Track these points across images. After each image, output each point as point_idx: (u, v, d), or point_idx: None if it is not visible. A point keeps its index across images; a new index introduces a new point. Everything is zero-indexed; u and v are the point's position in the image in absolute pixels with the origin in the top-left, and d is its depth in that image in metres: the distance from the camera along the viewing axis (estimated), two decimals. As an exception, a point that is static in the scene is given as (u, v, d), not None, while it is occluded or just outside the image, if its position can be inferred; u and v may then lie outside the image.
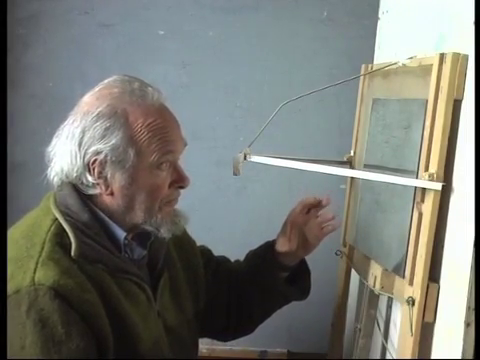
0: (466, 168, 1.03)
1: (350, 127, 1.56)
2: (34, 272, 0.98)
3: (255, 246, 1.41)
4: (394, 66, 1.25)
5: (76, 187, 1.09)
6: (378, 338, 1.38)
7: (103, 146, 1.04)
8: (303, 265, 1.39)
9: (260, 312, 1.38)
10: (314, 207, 1.34)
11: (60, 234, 1.04)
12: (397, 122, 1.26)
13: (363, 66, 1.51)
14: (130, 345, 1.06)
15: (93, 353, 1.00)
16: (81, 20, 1.96)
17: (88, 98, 1.08)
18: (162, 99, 1.10)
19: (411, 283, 1.12)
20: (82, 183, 1.08)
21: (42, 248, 1.02)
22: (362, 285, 1.44)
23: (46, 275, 0.98)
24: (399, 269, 1.18)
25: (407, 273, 1.14)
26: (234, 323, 1.37)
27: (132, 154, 1.05)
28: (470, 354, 0.99)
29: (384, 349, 1.36)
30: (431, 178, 1.07)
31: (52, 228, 1.05)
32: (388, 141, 1.29)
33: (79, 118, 1.06)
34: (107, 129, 1.04)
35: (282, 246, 1.33)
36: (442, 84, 1.07)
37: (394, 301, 1.31)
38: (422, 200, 1.11)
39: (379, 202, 1.30)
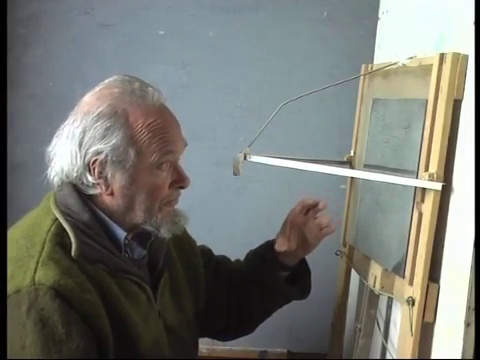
0: (466, 168, 1.03)
1: (350, 127, 1.57)
2: (34, 272, 0.99)
3: (255, 246, 1.41)
4: (394, 66, 1.25)
5: (76, 187, 1.09)
6: (378, 338, 1.38)
7: (103, 146, 1.04)
8: (303, 265, 1.39)
9: (260, 312, 1.38)
10: (313, 208, 1.34)
11: (60, 234, 1.04)
12: (397, 122, 1.26)
13: (363, 66, 1.51)
14: (130, 345, 1.06)
15: (93, 353, 1.00)
16: (81, 20, 1.96)
17: (88, 98, 1.08)
18: (162, 99, 1.10)
19: (411, 283, 1.12)
20: (82, 183, 1.08)
21: (42, 248, 1.02)
22: (362, 285, 1.44)
23: (46, 275, 0.98)
24: (399, 269, 1.18)
25: (407, 273, 1.14)
26: (234, 323, 1.37)
27: (132, 154, 1.05)
28: (470, 354, 0.99)
29: (384, 349, 1.36)
30: (431, 178, 1.07)
31: (52, 228, 1.05)
32: (388, 141, 1.30)
33: (79, 118, 1.06)
34: (107, 129, 1.04)
35: (281, 246, 1.33)
36: (442, 84, 1.07)
37: (394, 301, 1.31)
38: (422, 200, 1.11)
39: (379, 202, 1.30)
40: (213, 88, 1.99)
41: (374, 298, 1.35)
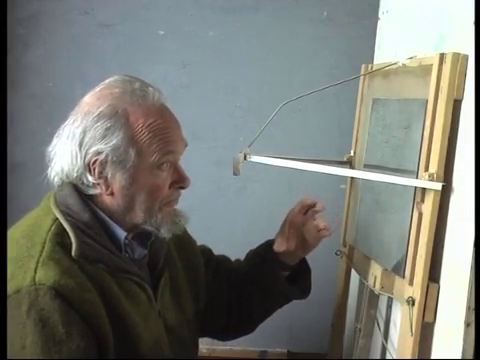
0: (466, 168, 1.03)
1: (350, 127, 1.57)
2: (35, 272, 0.99)
3: (255, 246, 1.41)
4: (394, 66, 1.25)
5: (76, 187, 1.09)
6: (378, 338, 1.38)
7: (104, 146, 1.04)
8: (303, 264, 1.39)
9: (260, 311, 1.38)
10: (312, 208, 1.33)
11: (61, 234, 1.04)
12: (397, 122, 1.26)
13: (363, 66, 1.51)
14: (130, 345, 1.06)
15: (93, 353, 1.00)
16: (81, 20, 1.96)
17: (89, 98, 1.08)
18: (163, 99, 1.10)
19: (411, 283, 1.12)
20: (82, 183, 1.08)
21: (43, 248, 1.02)
22: (362, 285, 1.44)
23: (47, 275, 0.98)
24: (399, 269, 1.18)
25: (407, 273, 1.14)
26: (234, 323, 1.37)
27: (133, 154, 1.05)
28: (470, 354, 0.99)
29: (384, 349, 1.37)
30: (431, 178, 1.07)
31: (53, 228, 1.05)
32: (388, 141, 1.30)
33: (80, 118, 1.06)
34: (108, 129, 1.04)
35: (279, 246, 1.33)
36: (442, 84, 1.07)
37: (394, 301, 1.31)
38: (422, 200, 1.11)
39: (379, 202, 1.30)
40: (213, 88, 1.99)
41: (374, 298, 1.35)
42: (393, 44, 1.50)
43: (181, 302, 1.24)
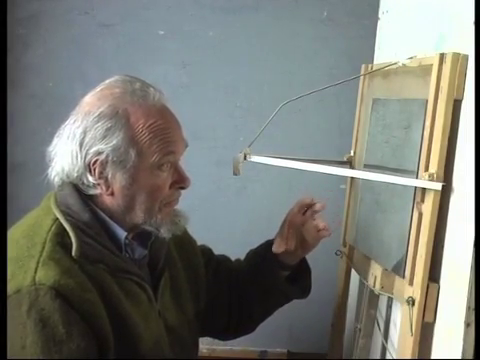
0: (466, 168, 1.03)
1: (350, 127, 1.57)
2: (35, 272, 0.99)
3: (255, 246, 1.41)
4: (394, 66, 1.25)
5: (77, 187, 1.09)
6: (378, 338, 1.38)
7: (104, 146, 1.04)
8: (304, 264, 1.39)
9: (261, 311, 1.38)
10: (311, 207, 1.33)
11: (61, 234, 1.04)
12: (397, 122, 1.26)
13: (363, 66, 1.51)
14: (131, 345, 1.06)
15: (94, 353, 1.00)
16: (81, 20, 1.97)
17: (89, 98, 1.08)
18: (163, 100, 1.10)
19: (411, 283, 1.12)
20: (83, 183, 1.08)
21: (43, 248, 1.02)
22: (362, 285, 1.44)
23: (47, 275, 0.98)
24: (399, 269, 1.18)
25: (407, 273, 1.14)
26: (235, 322, 1.37)
27: (133, 155, 1.05)
28: (470, 354, 0.99)
29: (384, 349, 1.37)
30: (431, 178, 1.07)
31: (53, 228, 1.05)
32: (388, 141, 1.30)
33: (80, 118, 1.06)
34: (108, 129, 1.04)
35: (278, 247, 1.33)
36: (442, 84, 1.07)
37: (394, 301, 1.31)
38: (422, 200, 1.11)
39: (379, 202, 1.30)
40: (213, 88, 1.99)
41: (374, 298, 1.35)
42: (393, 44, 1.50)
43: (181, 302, 1.24)
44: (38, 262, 1.00)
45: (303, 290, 1.38)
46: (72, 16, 1.96)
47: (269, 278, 1.33)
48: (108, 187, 1.07)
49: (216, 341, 1.53)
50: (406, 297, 1.12)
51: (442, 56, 1.07)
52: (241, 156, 1.24)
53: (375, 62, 1.61)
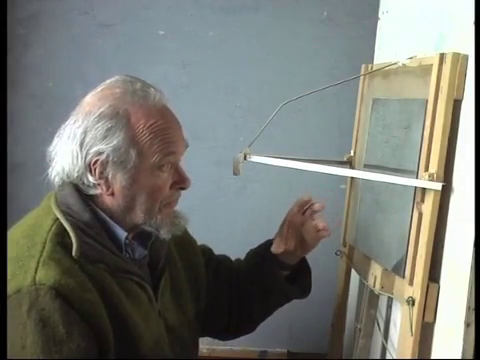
0: (466, 168, 1.03)
1: (350, 127, 1.57)
2: (35, 272, 0.99)
3: (255, 245, 1.41)
4: (394, 66, 1.25)
5: (77, 187, 1.09)
6: (378, 338, 1.38)
7: (105, 147, 1.04)
8: (304, 263, 1.39)
9: (261, 311, 1.38)
10: (311, 207, 1.33)
11: (61, 234, 1.04)
12: (397, 122, 1.26)
13: (363, 66, 1.51)
14: (131, 345, 1.06)
15: (94, 353, 1.00)
16: (81, 20, 1.97)
17: (90, 98, 1.08)
18: (164, 100, 1.10)
19: (411, 283, 1.12)
20: (83, 183, 1.08)
21: (43, 248, 1.02)
22: (362, 285, 1.44)
23: (47, 275, 0.98)
24: (399, 269, 1.18)
25: (407, 273, 1.14)
26: (235, 322, 1.37)
27: (133, 155, 1.05)
28: (470, 354, 0.99)
29: (384, 349, 1.37)
30: (431, 178, 1.07)
31: (53, 228, 1.05)
32: (388, 141, 1.30)
33: (81, 118, 1.06)
34: (109, 130, 1.04)
35: (278, 248, 1.33)
36: (442, 84, 1.07)
37: (394, 301, 1.31)
38: (422, 200, 1.11)
39: (379, 202, 1.31)
40: (213, 88, 1.99)
41: (374, 298, 1.35)
42: (393, 44, 1.50)
43: (182, 302, 1.24)
44: (38, 262, 1.00)
45: (303, 290, 1.38)
46: (72, 16, 1.96)
47: (269, 278, 1.33)
48: (108, 187, 1.07)
49: (216, 341, 1.53)
50: (406, 297, 1.12)
51: (442, 56, 1.07)
52: (241, 156, 1.24)
53: (375, 62, 1.61)
